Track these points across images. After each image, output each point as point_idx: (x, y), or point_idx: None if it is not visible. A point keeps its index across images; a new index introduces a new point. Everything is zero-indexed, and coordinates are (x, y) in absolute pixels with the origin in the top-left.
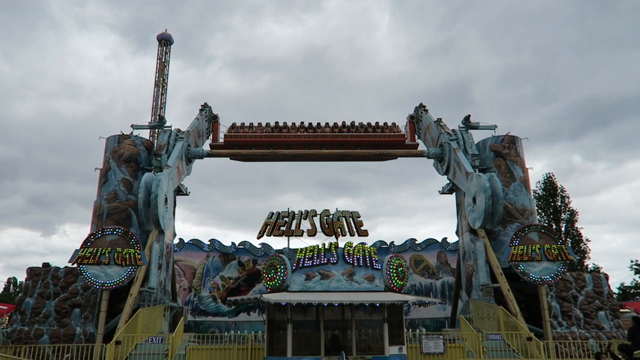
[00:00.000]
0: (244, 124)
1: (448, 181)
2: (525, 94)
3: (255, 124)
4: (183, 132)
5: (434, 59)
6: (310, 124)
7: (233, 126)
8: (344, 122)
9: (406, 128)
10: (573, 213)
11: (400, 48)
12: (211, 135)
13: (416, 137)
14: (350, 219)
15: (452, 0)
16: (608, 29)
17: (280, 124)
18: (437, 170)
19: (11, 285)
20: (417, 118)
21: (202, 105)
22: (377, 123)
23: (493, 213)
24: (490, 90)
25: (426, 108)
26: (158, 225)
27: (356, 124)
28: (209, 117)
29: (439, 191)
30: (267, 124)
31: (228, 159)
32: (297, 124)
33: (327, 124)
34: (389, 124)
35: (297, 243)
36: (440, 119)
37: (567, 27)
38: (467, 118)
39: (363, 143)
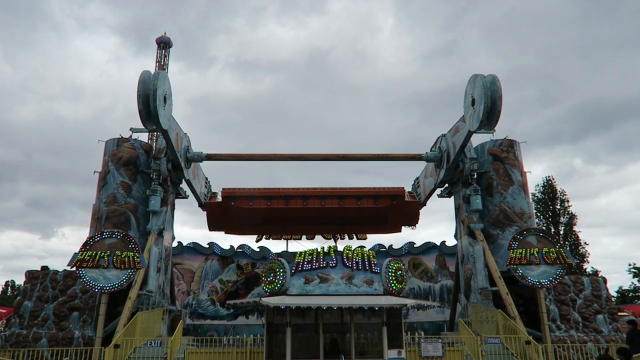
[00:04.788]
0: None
1: (447, 184)
2: (528, 96)
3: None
4: (185, 132)
5: (436, 60)
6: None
7: None
8: (343, 188)
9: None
10: (572, 216)
11: (403, 50)
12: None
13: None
14: None
15: (455, 2)
16: (611, 31)
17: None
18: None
19: (9, 288)
20: (414, 188)
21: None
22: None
23: (493, 100)
24: None
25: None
26: (156, 118)
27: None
28: (208, 188)
29: (437, 194)
30: (265, 188)
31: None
32: (295, 186)
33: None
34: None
35: (295, 246)
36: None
37: (570, 29)
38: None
39: (362, 195)
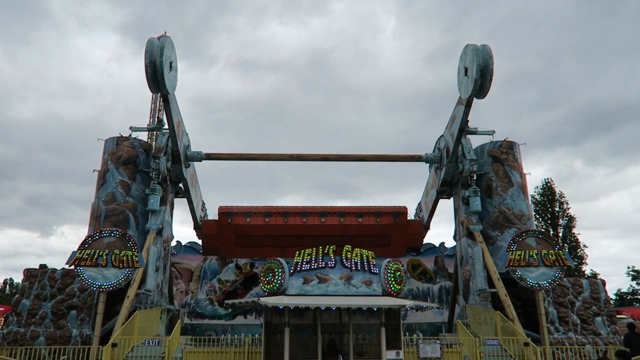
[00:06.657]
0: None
1: (446, 186)
2: (529, 98)
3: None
4: (186, 132)
5: (438, 62)
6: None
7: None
8: (344, 206)
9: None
10: (571, 219)
11: (405, 51)
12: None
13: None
14: None
15: (457, 3)
16: (612, 34)
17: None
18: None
19: (8, 286)
20: (417, 214)
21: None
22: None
23: (486, 61)
24: (493, 94)
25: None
26: (162, 76)
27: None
28: (205, 212)
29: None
30: (263, 206)
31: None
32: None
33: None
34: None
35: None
36: None
37: (572, 31)
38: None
39: (364, 213)
